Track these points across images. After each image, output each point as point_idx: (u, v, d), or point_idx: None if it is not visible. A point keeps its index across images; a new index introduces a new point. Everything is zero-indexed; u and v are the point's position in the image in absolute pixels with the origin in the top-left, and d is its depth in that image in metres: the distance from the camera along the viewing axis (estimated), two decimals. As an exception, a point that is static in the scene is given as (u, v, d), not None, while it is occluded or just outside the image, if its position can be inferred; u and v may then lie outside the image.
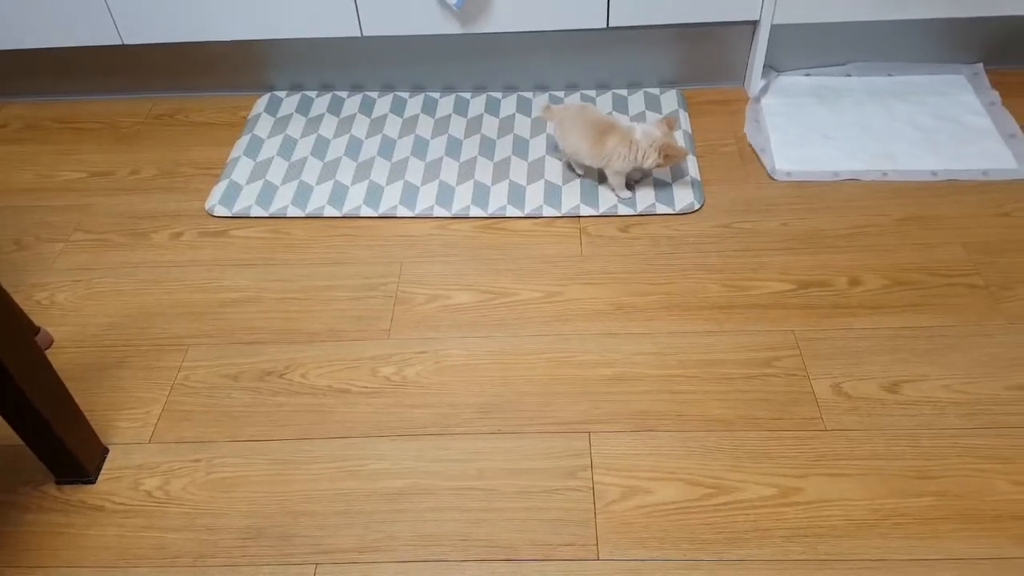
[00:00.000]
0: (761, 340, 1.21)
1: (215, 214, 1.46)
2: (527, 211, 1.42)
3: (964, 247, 1.33)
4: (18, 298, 1.34)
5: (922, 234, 1.36)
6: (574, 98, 1.66)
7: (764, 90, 1.65)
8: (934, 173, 1.45)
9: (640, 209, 1.41)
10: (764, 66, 1.64)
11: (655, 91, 1.66)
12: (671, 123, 1.38)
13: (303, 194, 1.48)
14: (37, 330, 1.25)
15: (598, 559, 0.98)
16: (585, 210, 1.42)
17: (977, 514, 0.99)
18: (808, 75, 1.68)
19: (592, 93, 1.67)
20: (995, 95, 1.59)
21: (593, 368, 1.19)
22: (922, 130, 1.53)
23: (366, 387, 1.18)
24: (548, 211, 1.42)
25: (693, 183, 1.45)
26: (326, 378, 1.20)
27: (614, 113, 1.59)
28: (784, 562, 0.96)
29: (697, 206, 1.42)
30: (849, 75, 1.67)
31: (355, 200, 1.46)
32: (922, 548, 0.96)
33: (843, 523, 0.99)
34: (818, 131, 1.55)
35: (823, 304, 1.25)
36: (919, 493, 1.02)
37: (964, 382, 1.14)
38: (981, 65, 1.65)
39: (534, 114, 1.60)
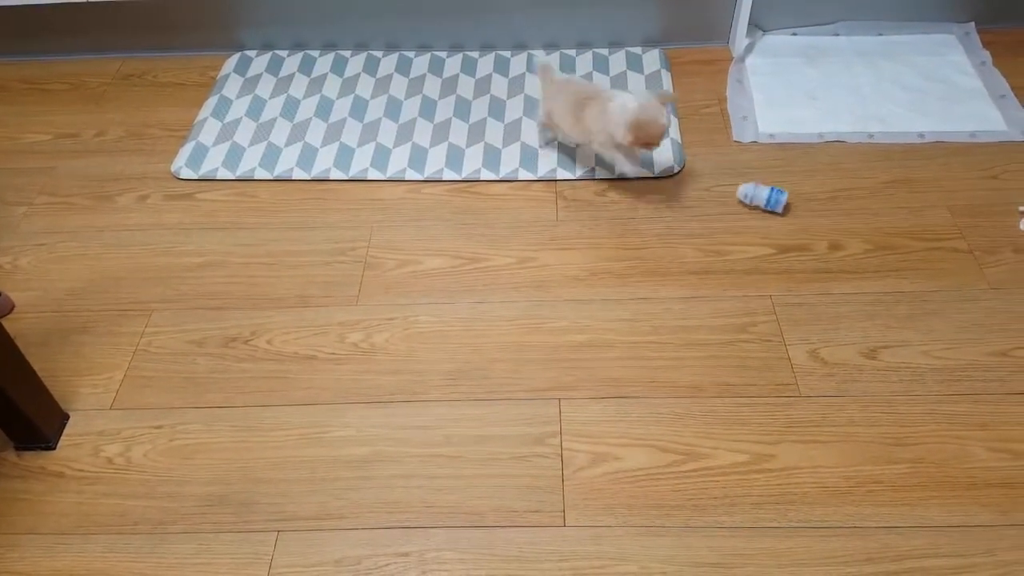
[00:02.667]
0: (738, 306, 1.16)
1: (181, 176, 1.40)
2: (502, 174, 1.36)
3: (950, 210, 1.28)
4: (-21, 263, 1.29)
5: (907, 197, 1.30)
6: (554, 58, 1.58)
7: (749, 49, 1.57)
8: (921, 135, 1.39)
9: (618, 173, 1.35)
10: (749, 25, 1.55)
11: (637, 50, 1.59)
12: (664, 99, 1.23)
13: (271, 156, 1.41)
14: (-3, 295, 1.21)
15: (564, 525, 0.94)
16: (562, 173, 1.35)
17: (952, 481, 0.96)
18: (795, 34, 1.59)
19: (572, 52, 1.59)
20: (986, 55, 1.51)
21: (565, 335, 1.14)
22: (911, 91, 1.46)
23: (333, 354, 1.14)
24: (524, 174, 1.35)
25: (673, 145, 1.39)
26: (292, 344, 1.15)
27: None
28: (754, 529, 0.93)
29: (677, 169, 1.36)
30: (837, 34, 1.59)
31: (325, 163, 1.39)
32: (895, 515, 0.93)
33: (815, 490, 0.96)
34: (804, 92, 1.48)
35: (803, 269, 1.20)
36: (894, 460, 0.98)
37: (944, 348, 1.09)
38: (973, 24, 1.57)
39: (529, 71, 1.47)
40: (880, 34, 1.57)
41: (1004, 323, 1.11)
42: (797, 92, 1.48)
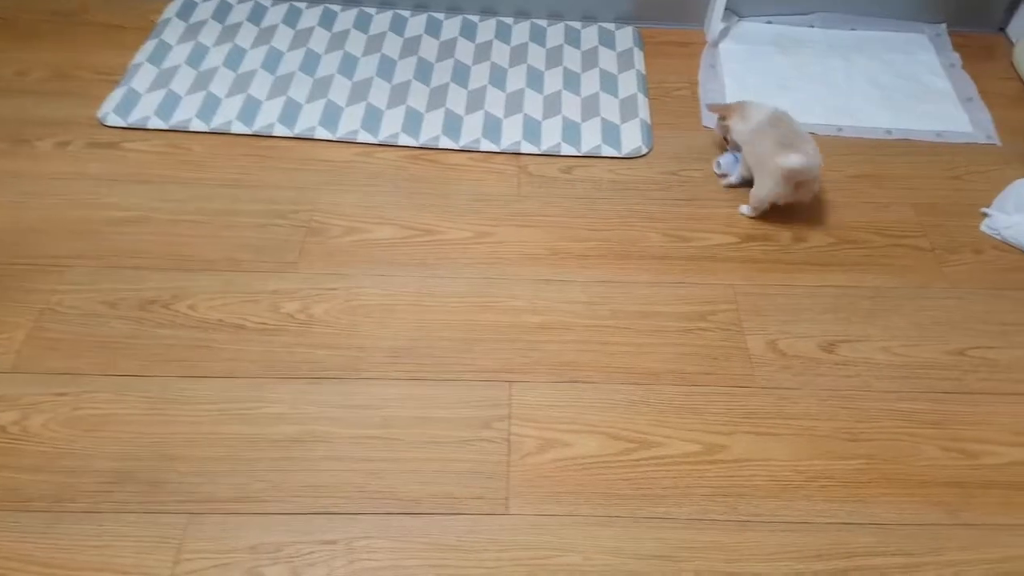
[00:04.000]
0: (699, 293, 1.12)
1: (108, 124, 1.27)
2: (462, 143, 1.28)
3: (914, 208, 1.27)
4: None
5: (872, 193, 1.29)
6: (523, 28, 1.51)
7: (724, 34, 1.54)
8: (888, 131, 1.37)
9: (585, 150, 1.29)
10: (725, 9, 1.52)
11: (610, 26, 1.53)
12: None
13: (209, 107, 1.30)
14: None
15: (507, 513, 0.89)
16: (526, 147, 1.29)
17: (904, 479, 0.94)
18: (770, 22, 1.57)
19: (543, 23, 1.52)
20: (956, 57, 1.52)
21: (519, 315, 1.08)
22: (880, 87, 1.45)
23: (264, 324, 1.05)
24: (486, 145, 1.28)
25: (643, 126, 1.34)
26: (218, 311, 1.06)
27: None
28: (703, 521, 0.89)
29: (645, 150, 1.31)
30: (812, 26, 1.56)
31: (268, 117, 1.29)
32: (845, 512, 0.90)
33: (767, 483, 0.93)
34: (776, 81, 1.45)
35: (765, 259, 1.17)
36: (848, 456, 0.95)
37: (903, 345, 1.08)
38: (944, 26, 1.57)
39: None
40: (853, 29, 1.56)
41: (962, 322, 1.10)
42: (769, 81, 1.45)
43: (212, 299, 1.07)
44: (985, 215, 1.23)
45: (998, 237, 1.21)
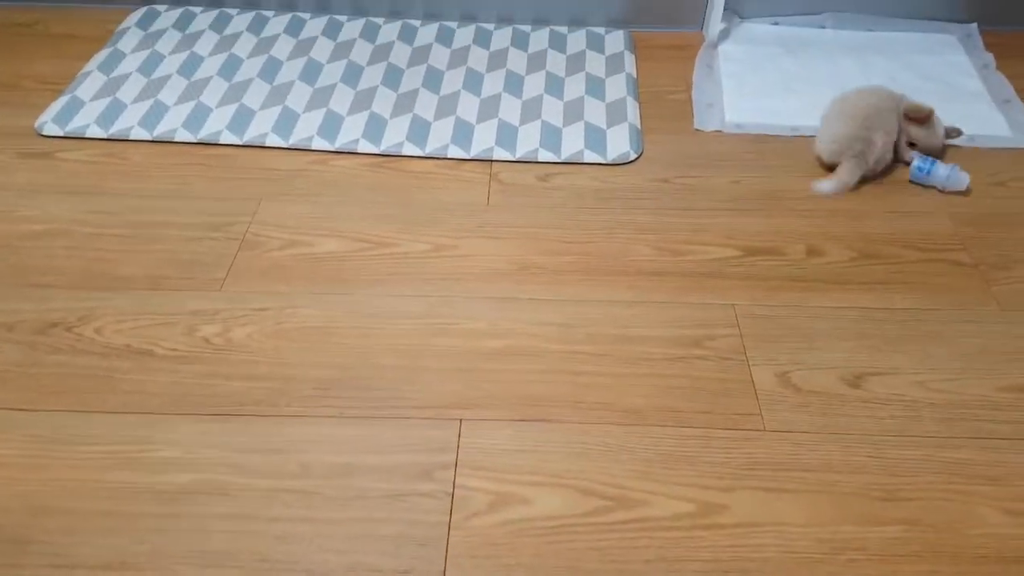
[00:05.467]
0: (693, 315, 0.91)
1: (43, 132, 1.12)
2: (428, 150, 1.10)
3: (951, 218, 1.04)
4: None
5: (899, 201, 1.06)
6: (505, 34, 1.33)
7: (724, 36, 1.34)
8: (916, 135, 1.17)
9: (565, 156, 1.10)
10: (726, 10, 1.34)
11: (600, 31, 1.35)
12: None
13: (155, 115, 1.14)
14: None
15: (442, 593, 0.68)
16: (500, 153, 1.10)
17: (956, 552, 0.69)
18: (776, 24, 1.37)
19: (527, 28, 1.35)
20: (989, 57, 1.30)
21: (478, 339, 0.87)
22: (905, 89, 1.23)
23: (175, 350, 0.86)
24: (455, 151, 1.10)
25: (631, 131, 1.14)
26: (126, 335, 0.87)
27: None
28: (696, 609, 0.66)
29: (633, 156, 1.11)
30: (823, 27, 1.36)
31: (216, 124, 1.13)
32: (884, 598, 0.67)
33: (779, 556, 0.69)
34: (781, 83, 1.24)
35: (773, 275, 0.95)
36: (883, 520, 0.72)
37: (945, 379, 0.84)
38: (975, 26, 1.36)
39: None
40: (871, 30, 1.36)
41: (1018, 352, 0.86)
42: (772, 83, 1.24)
43: (122, 321, 0.88)
44: (1039, 226, 1.00)
45: (1057, 251, 0.98)
